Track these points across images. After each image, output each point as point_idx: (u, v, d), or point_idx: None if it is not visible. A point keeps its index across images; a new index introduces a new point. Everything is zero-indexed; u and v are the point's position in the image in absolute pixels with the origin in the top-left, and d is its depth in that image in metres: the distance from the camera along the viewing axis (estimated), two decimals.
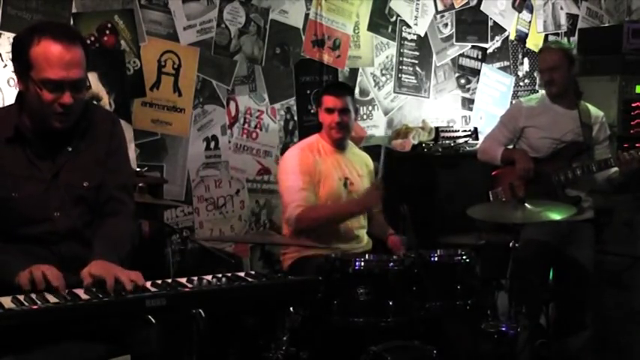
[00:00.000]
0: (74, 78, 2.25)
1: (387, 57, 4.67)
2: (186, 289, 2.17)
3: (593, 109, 3.85)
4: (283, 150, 4.08)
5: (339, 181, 3.57)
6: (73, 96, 2.26)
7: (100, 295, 2.03)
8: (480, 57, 5.06)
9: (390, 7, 4.65)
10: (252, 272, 2.42)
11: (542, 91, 3.96)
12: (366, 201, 3.55)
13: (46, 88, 2.23)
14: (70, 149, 2.37)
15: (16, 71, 2.33)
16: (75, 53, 2.25)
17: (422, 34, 4.80)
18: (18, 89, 2.36)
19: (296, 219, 3.41)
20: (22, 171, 2.31)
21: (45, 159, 2.34)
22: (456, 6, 4.92)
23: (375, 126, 4.66)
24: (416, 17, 4.76)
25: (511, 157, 3.78)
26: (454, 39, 4.93)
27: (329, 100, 3.57)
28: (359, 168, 3.70)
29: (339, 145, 3.64)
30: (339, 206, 3.54)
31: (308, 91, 4.32)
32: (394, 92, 4.73)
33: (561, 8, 5.41)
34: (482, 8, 5.02)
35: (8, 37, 3.40)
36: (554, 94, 3.79)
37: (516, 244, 3.13)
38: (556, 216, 3.14)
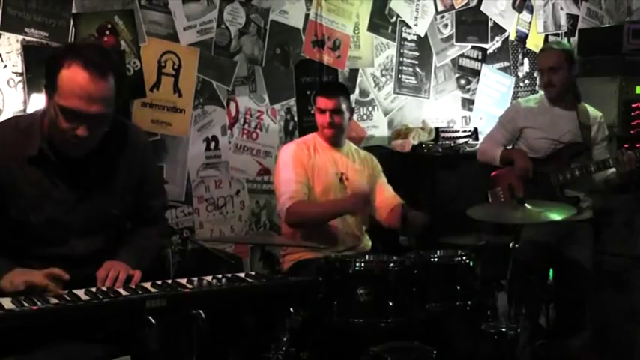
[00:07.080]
0: (94, 112, 2.15)
1: (387, 57, 4.67)
2: (187, 290, 2.17)
3: (591, 109, 3.85)
4: None
5: (335, 176, 3.58)
6: (91, 130, 2.17)
7: (100, 296, 2.04)
8: (480, 57, 5.06)
9: (390, 8, 4.65)
10: (252, 273, 2.43)
11: (541, 92, 3.96)
12: (357, 200, 3.50)
13: (64, 116, 2.15)
14: (95, 173, 2.31)
15: (45, 86, 2.24)
16: (101, 87, 2.15)
17: (422, 35, 4.80)
18: (46, 103, 2.28)
19: (287, 211, 3.42)
20: (42, 193, 2.25)
21: (68, 181, 2.28)
22: (456, 6, 4.92)
23: (375, 126, 4.66)
24: (416, 18, 4.76)
25: (510, 157, 3.78)
26: (454, 39, 4.93)
27: (321, 101, 3.59)
28: (357, 164, 3.70)
29: (335, 143, 3.65)
30: (330, 203, 3.53)
31: (308, 92, 4.31)
32: (394, 93, 4.73)
33: (561, 9, 5.41)
34: (482, 9, 5.02)
35: (8, 38, 3.39)
36: (552, 96, 3.78)
37: (516, 245, 3.12)
38: (556, 216, 3.14)
